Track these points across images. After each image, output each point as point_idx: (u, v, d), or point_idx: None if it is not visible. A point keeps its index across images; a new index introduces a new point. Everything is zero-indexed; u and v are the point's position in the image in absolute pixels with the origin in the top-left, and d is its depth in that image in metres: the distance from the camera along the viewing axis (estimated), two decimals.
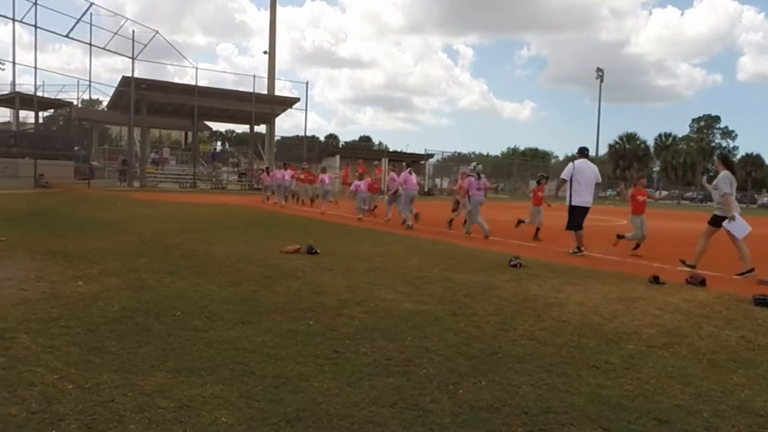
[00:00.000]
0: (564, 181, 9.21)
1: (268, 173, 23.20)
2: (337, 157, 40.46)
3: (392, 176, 14.34)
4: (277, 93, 40.16)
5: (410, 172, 13.45)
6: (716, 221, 7.60)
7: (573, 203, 9.11)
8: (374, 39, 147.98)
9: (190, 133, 43.29)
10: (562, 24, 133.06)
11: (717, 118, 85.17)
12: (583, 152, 9.52)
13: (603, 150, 68.86)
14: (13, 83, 30.52)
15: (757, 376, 3.51)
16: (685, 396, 3.13)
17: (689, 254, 7.88)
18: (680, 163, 73.67)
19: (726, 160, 7.97)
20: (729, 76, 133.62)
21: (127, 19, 31.33)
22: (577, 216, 9.10)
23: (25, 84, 44.48)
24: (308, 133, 44.54)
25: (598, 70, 56.39)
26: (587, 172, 9.12)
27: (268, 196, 22.48)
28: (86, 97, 39.52)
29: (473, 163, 13.25)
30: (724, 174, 7.55)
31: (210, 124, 48.89)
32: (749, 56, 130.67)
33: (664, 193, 59.50)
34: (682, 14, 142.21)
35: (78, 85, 35.41)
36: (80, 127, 36.46)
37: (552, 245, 10.10)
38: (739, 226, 7.42)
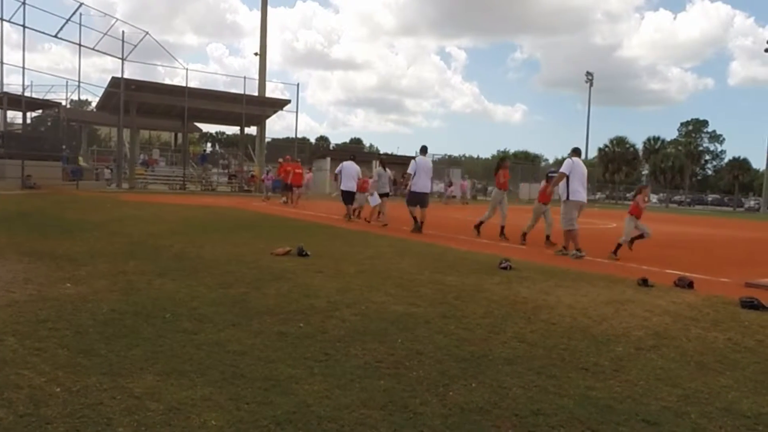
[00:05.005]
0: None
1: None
2: (328, 159, 40.48)
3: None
4: (268, 95, 40.13)
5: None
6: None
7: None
8: (367, 41, 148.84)
9: (180, 135, 43.11)
10: (556, 27, 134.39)
11: (705, 122, 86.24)
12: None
13: (592, 153, 69.35)
14: (1, 83, 30.12)
15: (744, 378, 3.54)
16: (673, 398, 3.16)
17: (681, 257, 7.93)
18: (669, 166, 74.39)
19: (381, 162, 14.30)
20: (720, 81, 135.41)
21: (117, 19, 31.23)
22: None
23: (13, 84, 43.99)
24: (299, 135, 44.57)
25: (588, 74, 56.84)
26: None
27: (268, 196, 23.06)
28: (75, 97, 39.49)
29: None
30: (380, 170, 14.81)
31: (200, 125, 48.78)
32: (740, 61, 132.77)
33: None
34: (674, 18, 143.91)
35: (67, 85, 35.28)
36: (69, 127, 36.17)
37: (542, 248, 10.14)
38: (374, 199, 14.45)
